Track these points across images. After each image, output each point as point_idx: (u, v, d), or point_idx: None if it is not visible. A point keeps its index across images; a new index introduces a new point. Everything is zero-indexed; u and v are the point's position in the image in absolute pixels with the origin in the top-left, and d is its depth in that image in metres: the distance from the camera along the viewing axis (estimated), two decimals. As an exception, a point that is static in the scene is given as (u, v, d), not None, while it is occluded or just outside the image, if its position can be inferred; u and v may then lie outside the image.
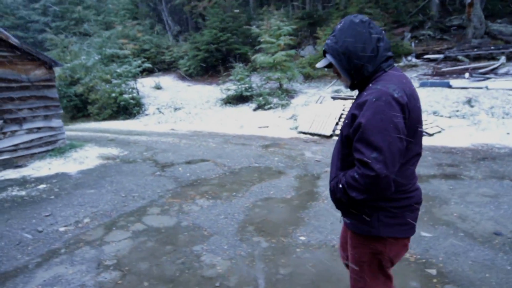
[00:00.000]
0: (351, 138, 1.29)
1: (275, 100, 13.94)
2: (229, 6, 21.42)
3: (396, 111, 1.18)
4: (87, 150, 8.53)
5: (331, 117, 8.86)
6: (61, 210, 4.31)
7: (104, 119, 15.65)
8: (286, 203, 4.31)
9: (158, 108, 15.73)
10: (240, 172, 5.85)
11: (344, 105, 9.23)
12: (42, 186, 5.55)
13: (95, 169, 6.70)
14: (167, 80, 20.00)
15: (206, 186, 5.19)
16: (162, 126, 12.98)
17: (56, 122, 8.57)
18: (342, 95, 10.86)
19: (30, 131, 7.95)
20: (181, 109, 15.24)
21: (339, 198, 1.35)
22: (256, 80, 15.89)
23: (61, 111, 8.84)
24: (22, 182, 5.93)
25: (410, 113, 1.24)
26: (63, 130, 8.82)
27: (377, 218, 1.34)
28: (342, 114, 8.84)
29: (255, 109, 13.85)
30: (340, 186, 1.32)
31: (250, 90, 14.64)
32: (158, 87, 18.43)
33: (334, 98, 10.77)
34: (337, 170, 1.43)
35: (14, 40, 7.54)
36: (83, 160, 7.47)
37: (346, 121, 1.36)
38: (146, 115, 15.48)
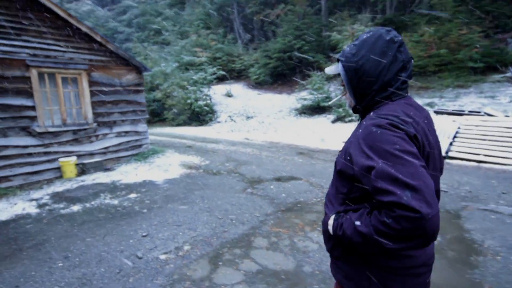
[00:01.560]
0: (347, 173, 1.11)
1: (355, 112, 12.66)
2: (301, 14, 20.76)
3: (407, 140, 0.97)
4: (169, 156, 8.36)
5: (441, 135, 7.39)
6: (157, 231, 3.82)
7: (178, 125, 15.97)
8: (438, 253, 3.21)
9: (230, 116, 15.55)
10: (347, 198, 4.86)
11: (454, 121, 7.70)
12: (132, 196, 5.25)
13: (180, 179, 6.31)
14: (237, 88, 19.95)
15: (311, 213, 4.32)
16: (235, 135, 12.63)
17: (141, 127, 8.58)
18: (449, 109, 9.22)
19: (118, 134, 8.03)
20: (253, 118, 14.82)
21: (349, 241, 1.04)
22: (333, 89, 14.79)
23: (147, 116, 8.86)
24: (113, 189, 5.75)
25: (424, 150, 1.05)
26: (147, 135, 8.82)
27: (365, 279, 1.10)
28: (457, 132, 7.32)
29: (333, 121, 12.75)
30: (353, 230, 1.01)
31: (328, 100, 13.60)
32: (229, 95, 18.41)
33: (437, 112, 9.18)
34: (335, 207, 1.19)
35: (111, 45, 7.69)
36: (167, 167, 7.22)
37: (341, 153, 1.18)
38: (218, 122, 15.39)
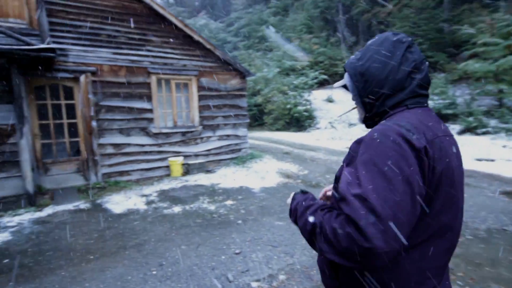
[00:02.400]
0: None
1: (492, 122, 10.13)
2: (418, 9, 18.12)
3: (407, 157, 0.78)
4: (266, 162, 8.15)
5: None
6: (251, 249, 3.46)
7: (277, 130, 15.95)
8: None
9: (330, 122, 14.65)
10: (496, 241, 3.56)
11: None
12: (229, 203, 5.11)
13: (277, 189, 5.94)
14: (339, 93, 18.79)
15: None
16: (336, 143, 11.70)
17: (242, 131, 8.65)
18: None
19: (220, 137, 8.25)
20: (356, 125, 13.56)
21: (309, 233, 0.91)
22: (459, 94, 12.26)
23: (248, 120, 8.89)
24: (211, 192, 5.78)
25: (435, 168, 0.82)
26: (247, 140, 8.84)
27: None
28: None
29: (460, 132, 10.48)
30: (317, 226, 0.87)
31: (453, 107, 11.31)
32: (330, 100, 17.48)
33: None
34: None
35: (219, 52, 7.95)
36: (264, 174, 6.98)
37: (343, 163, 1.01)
38: (318, 128, 14.69)
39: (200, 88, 7.74)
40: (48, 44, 4.93)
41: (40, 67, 5.70)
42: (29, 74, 5.66)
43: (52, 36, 5.85)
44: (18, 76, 5.46)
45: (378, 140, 0.82)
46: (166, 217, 4.49)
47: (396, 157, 0.77)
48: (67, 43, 6.02)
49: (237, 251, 3.40)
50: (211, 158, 8.04)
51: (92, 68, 6.24)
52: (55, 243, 3.65)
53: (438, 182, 0.82)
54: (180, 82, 7.50)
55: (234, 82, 8.40)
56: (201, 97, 7.76)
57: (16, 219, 4.43)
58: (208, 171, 7.54)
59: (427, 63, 0.98)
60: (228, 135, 8.34)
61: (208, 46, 7.69)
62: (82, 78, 6.15)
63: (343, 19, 25.89)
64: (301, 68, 16.81)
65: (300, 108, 14.87)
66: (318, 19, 28.69)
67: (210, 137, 8.00)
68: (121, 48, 6.60)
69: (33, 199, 4.95)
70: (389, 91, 0.94)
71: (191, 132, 7.65)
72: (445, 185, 0.84)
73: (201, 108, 7.80)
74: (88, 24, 6.22)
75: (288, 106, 15.01)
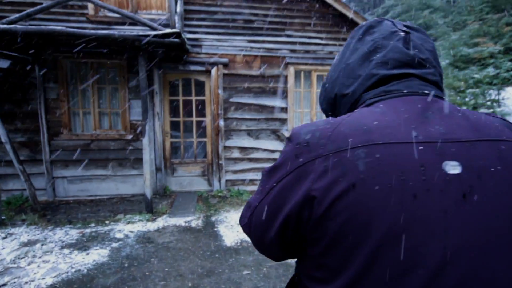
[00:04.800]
0: None
1: None
2: None
3: (286, 158, 0.54)
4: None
5: None
6: None
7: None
8: None
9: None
10: None
11: None
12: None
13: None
14: (549, 91, 12.84)
15: None
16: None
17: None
18: None
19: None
20: None
21: None
22: None
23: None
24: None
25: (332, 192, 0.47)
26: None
27: None
28: None
29: None
30: None
31: None
32: (534, 101, 12.08)
33: None
34: None
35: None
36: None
37: None
38: None
39: (348, 82, 5.91)
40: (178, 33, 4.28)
41: (174, 60, 5.28)
42: (163, 67, 5.31)
43: (187, 26, 5.33)
44: (153, 69, 5.14)
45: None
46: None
47: (284, 156, 0.55)
48: (201, 32, 5.39)
49: None
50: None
51: (224, 60, 5.43)
52: (144, 283, 2.74)
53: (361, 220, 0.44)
54: (323, 74, 5.90)
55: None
56: (348, 94, 5.93)
57: (127, 228, 3.92)
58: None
59: (402, 33, 0.61)
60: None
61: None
62: (214, 70, 5.42)
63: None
64: (490, 56, 12.25)
65: (481, 111, 10.72)
66: (512, -7, 21.27)
67: (356, 146, 6.08)
68: (257, 35, 5.55)
69: (150, 205, 4.44)
70: (337, 87, 0.66)
71: (332, 138, 5.95)
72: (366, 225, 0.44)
73: (347, 108, 5.97)
74: (224, 9, 5.44)
75: (464, 107, 11.09)
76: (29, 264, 3.03)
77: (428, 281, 0.41)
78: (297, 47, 5.66)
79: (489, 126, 0.51)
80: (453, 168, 0.45)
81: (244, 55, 5.52)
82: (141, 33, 3.88)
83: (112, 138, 5.25)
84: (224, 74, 5.49)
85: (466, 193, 0.44)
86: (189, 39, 5.29)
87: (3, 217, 4.04)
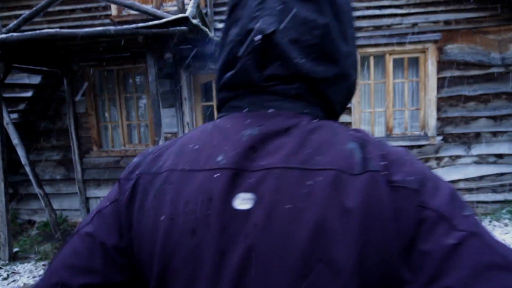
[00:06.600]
0: None
1: None
2: None
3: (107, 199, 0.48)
4: None
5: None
6: None
7: None
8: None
9: None
10: None
11: None
12: None
13: None
14: None
15: None
16: None
17: (537, 148, 4.15)
18: None
19: (481, 159, 4.20)
20: None
21: None
22: None
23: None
24: None
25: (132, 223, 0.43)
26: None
27: None
28: None
29: None
30: None
31: None
32: None
33: None
34: None
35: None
36: None
37: None
38: None
39: (443, 64, 4.09)
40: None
41: (206, 57, 4.34)
42: (192, 67, 4.42)
43: (217, 13, 4.34)
44: (179, 70, 4.29)
45: None
46: None
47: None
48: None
49: None
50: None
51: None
52: None
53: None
54: (403, 57, 4.21)
55: (526, 45, 4.03)
56: (443, 82, 4.11)
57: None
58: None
59: (257, 38, 0.43)
60: (500, 156, 4.15)
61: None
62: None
63: None
64: None
65: None
66: None
67: (458, 157, 4.20)
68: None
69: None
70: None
71: (420, 146, 4.22)
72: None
73: (443, 103, 4.15)
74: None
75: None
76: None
77: None
78: (364, 22, 4.12)
79: (328, 150, 0.38)
80: (243, 202, 0.36)
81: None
82: (140, 24, 3.00)
83: (140, 154, 4.60)
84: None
85: (256, 235, 0.35)
86: (218, 29, 4.28)
87: (15, 250, 3.65)
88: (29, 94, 4.66)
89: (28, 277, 3.19)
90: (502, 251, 0.32)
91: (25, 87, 4.67)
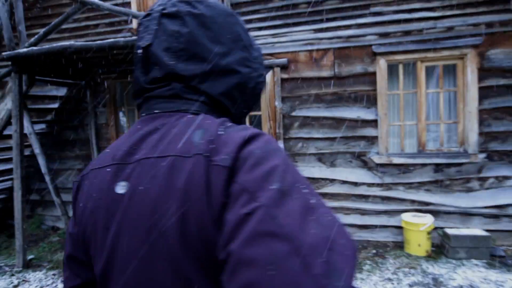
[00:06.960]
0: None
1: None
2: None
3: None
4: None
5: None
6: None
7: None
8: None
9: None
10: None
11: None
12: None
13: None
14: None
15: None
16: None
17: None
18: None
19: (535, 181, 3.60)
20: None
21: None
22: None
23: None
24: None
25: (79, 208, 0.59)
26: None
27: None
28: None
29: None
30: None
31: None
32: None
33: None
34: None
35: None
36: None
37: None
38: None
39: (485, 71, 3.59)
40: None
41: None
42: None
43: (234, 22, 4.21)
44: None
45: None
46: None
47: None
48: (253, 29, 4.17)
49: None
50: (504, 224, 3.64)
51: (282, 60, 4.04)
52: None
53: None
54: (437, 65, 3.78)
55: None
56: (486, 91, 3.60)
57: None
58: (496, 257, 3.32)
59: (140, 51, 0.57)
60: (560, 177, 3.51)
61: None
62: (268, 76, 4.10)
63: None
64: None
65: None
66: None
67: (506, 178, 3.62)
68: (328, 20, 3.95)
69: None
70: None
71: (458, 165, 3.70)
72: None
73: (486, 115, 3.63)
74: (282, -6, 4.09)
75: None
76: None
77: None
78: (391, 28, 3.76)
79: (179, 140, 0.48)
80: (121, 188, 0.50)
81: (310, 50, 4.00)
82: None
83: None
84: (283, 80, 4.09)
85: (124, 212, 0.48)
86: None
87: (30, 257, 3.70)
88: (56, 105, 4.86)
89: (36, 286, 3.18)
90: (283, 222, 0.35)
91: (53, 98, 4.88)
